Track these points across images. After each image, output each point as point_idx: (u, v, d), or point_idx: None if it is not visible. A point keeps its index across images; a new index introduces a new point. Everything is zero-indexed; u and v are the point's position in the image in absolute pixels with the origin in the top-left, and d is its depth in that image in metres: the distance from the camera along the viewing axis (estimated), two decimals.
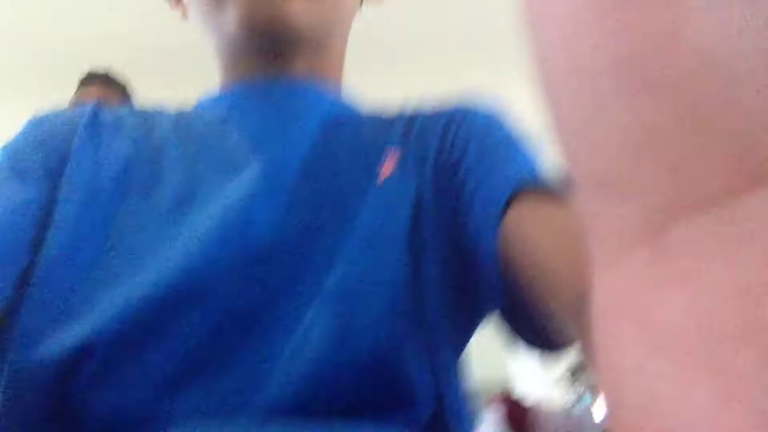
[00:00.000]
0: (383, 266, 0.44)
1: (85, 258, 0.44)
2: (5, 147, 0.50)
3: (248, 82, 0.55)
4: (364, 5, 0.62)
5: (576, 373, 2.48)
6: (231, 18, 0.50)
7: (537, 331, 0.42)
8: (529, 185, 0.42)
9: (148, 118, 0.55)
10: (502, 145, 0.48)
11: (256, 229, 0.45)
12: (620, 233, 0.11)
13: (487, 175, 0.45)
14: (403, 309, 0.43)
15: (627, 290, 0.11)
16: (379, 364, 0.41)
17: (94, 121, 0.52)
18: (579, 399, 2.44)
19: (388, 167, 0.49)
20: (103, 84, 1.84)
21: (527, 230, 0.40)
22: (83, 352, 0.40)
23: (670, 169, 0.10)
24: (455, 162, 0.49)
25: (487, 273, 0.42)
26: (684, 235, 0.10)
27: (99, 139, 0.51)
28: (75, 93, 1.84)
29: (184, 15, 0.58)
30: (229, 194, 0.47)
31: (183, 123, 0.54)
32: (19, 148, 0.50)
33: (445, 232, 0.47)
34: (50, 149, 0.50)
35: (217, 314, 0.42)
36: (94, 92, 1.79)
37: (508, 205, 0.41)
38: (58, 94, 1.89)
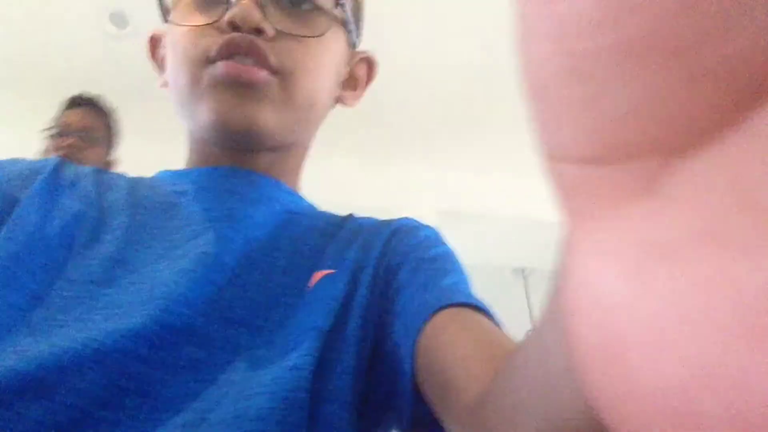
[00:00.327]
0: (292, 364, 0.42)
1: (11, 299, 0.44)
2: None
3: (211, 165, 0.56)
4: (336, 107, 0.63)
5: None
6: (204, 114, 0.51)
7: None
8: (455, 301, 0.43)
9: (105, 181, 0.56)
10: (438, 260, 0.50)
11: (179, 305, 0.44)
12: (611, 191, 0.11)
13: (418, 289, 0.46)
14: (301, 405, 0.41)
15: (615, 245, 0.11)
16: None
17: (54, 175, 0.53)
18: None
19: (320, 274, 0.50)
20: (89, 109, 1.77)
21: (443, 337, 0.40)
22: None
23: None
24: (394, 268, 0.50)
25: (400, 384, 0.43)
26: (680, 182, 0.10)
27: (54, 193, 0.52)
28: (58, 115, 1.76)
29: (165, 85, 0.59)
30: (163, 267, 0.47)
31: (139, 190, 0.55)
32: None
33: (367, 332, 0.47)
34: (4, 193, 0.50)
35: (112, 380, 0.40)
36: (78, 116, 1.74)
37: (431, 318, 0.42)
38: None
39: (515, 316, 3.92)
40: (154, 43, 0.63)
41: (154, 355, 0.41)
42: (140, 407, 0.40)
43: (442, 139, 3.07)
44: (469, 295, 0.45)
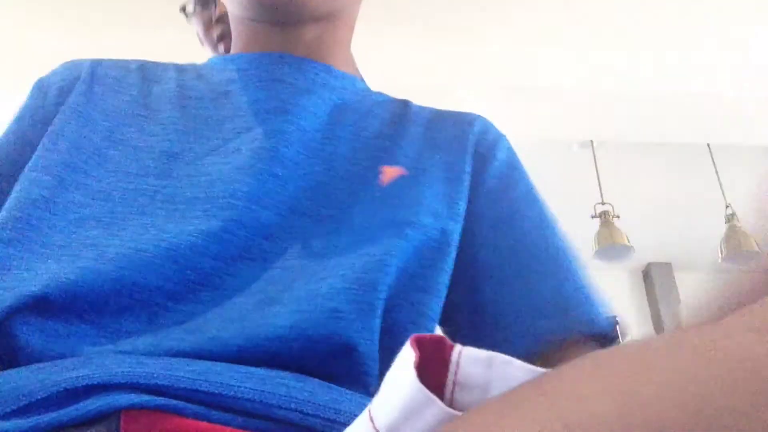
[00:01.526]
0: (367, 252, 0.44)
1: (66, 203, 0.45)
2: (12, 117, 0.54)
3: (258, 47, 0.55)
4: None
5: None
6: None
7: None
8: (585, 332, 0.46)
9: (151, 73, 0.56)
10: (537, 228, 0.53)
11: (243, 201, 0.45)
12: None
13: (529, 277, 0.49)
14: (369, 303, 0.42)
15: None
16: (333, 339, 0.41)
17: (91, 77, 0.54)
18: None
19: (392, 171, 0.50)
20: None
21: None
22: (48, 291, 0.39)
23: None
24: (485, 213, 0.52)
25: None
26: None
27: (92, 94, 0.52)
28: None
29: None
30: (218, 161, 0.48)
31: (187, 80, 0.55)
32: (23, 117, 0.53)
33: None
34: (48, 99, 0.52)
35: (185, 276, 0.42)
36: None
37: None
38: None
39: (584, 190, 3.88)
40: None
41: (223, 250, 0.43)
42: (213, 298, 0.42)
43: (506, 11, 2.93)
44: (598, 314, 0.47)
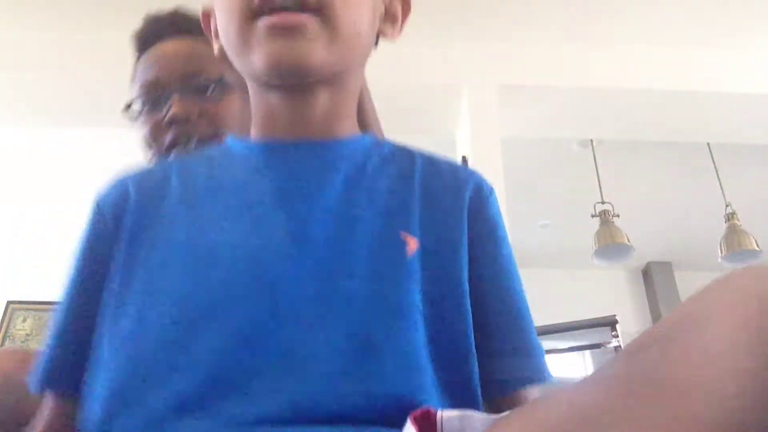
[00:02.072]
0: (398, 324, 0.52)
1: (145, 314, 0.52)
2: (81, 238, 0.60)
3: (280, 128, 0.62)
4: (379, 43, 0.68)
5: None
6: (258, 62, 0.56)
7: None
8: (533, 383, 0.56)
9: (186, 172, 0.62)
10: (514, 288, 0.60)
11: (283, 283, 0.52)
12: None
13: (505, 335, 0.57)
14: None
15: None
16: (400, 398, 0.48)
17: (138, 191, 0.60)
18: None
19: (413, 242, 0.56)
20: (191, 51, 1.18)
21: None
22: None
23: None
24: (479, 266, 0.59)
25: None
26: None
27: (143, 208, 0.59)
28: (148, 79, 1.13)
29: (219, 51, 0.65)
30: (257, 245, 0.54)
31: (217, 171, 0.62)
32: (90, 239, 0.59)
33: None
34: (108, 221, 0.59)
35: (235, 338, 0.49)
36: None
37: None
38: None
39: (584, 189, 3.89)
40: (206, 18, 0.70)
41: (274, 321, 0.50)
42: (279, 355, 0.48)
43: (506, 11, 2.94)
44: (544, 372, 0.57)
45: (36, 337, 4.97)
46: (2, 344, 4.89)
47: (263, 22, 0.55)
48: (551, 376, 0.57)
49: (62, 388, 0.55)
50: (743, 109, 3.12)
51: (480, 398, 0.54)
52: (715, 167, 3.87)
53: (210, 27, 0.69)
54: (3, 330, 4.99)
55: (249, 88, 0.65)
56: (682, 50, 3.05)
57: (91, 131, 3.63)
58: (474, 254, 0.59)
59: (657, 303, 5.40)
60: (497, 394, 0.55)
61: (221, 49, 0.64)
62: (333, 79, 0.61)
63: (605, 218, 3.67)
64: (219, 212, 0.57)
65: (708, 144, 3.81)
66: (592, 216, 3.72)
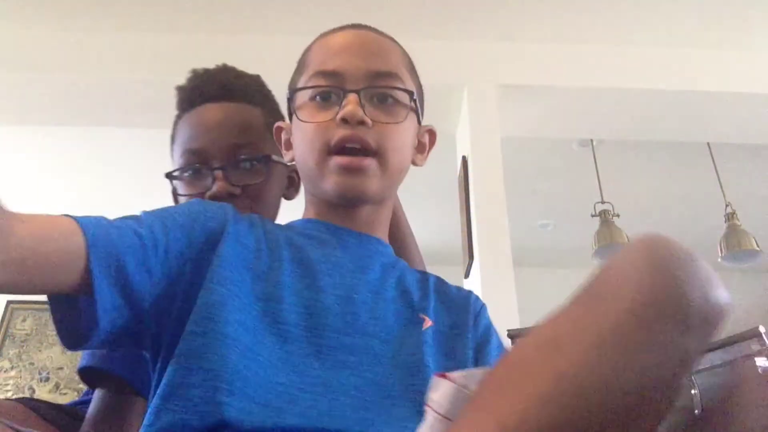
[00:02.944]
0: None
1: (229, 321, 0.63)
2: (180, 207, 0.72)
3: (330, 221, 0.79)
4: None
5: None
6: (329, 188, 0.76)
7: None
8: None
9: (268, 227, 0.77)
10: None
11: (335, 330, 0.67)
12: None
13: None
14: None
15: None
16: None
17: (234, 221, 0.73)
18: None
19: (428, 321, 0.74)
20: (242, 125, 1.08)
21: None
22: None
23: None
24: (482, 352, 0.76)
25: None
26: None
27: (237, 234, 0.71)
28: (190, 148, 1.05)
29: (292, 160, 0.84)
30: (313, 301, 0.68)
31: (291, 236, 0.76)
32: (193, 210, 0.71)
33: None
34: (212, 224, 0.70)
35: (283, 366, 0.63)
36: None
37: None
38: None
39: (584, 189, 3.89)
40: (278, 131, 0.89)
41: (317, 360, 0.64)
42: (312, 383, 0.62)
43: (503, 10, 2.94)
44: None
45: (36, 337, 4.98)
46: (2, 344, 4.90)
47: (336, 161, 0.74)
48: None
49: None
50: (743, 109, 3.12)
51: None
52: (715, 167, 3.86)
53: (281, 138, 0.88)
54: (3, 330, 4.99)
55: (306, 188, 0.84)
56: (682, 50, 3.06)
57: (91, 131, 3.63)
58: (476, 348, 0.75)
59: None
60: None
61: (292, 160, 0.84)
62: (376, 203, 0.80)
63: (605, 218, 3.66)
64: (288, 261, 0.71)
65: (708, 144, 3.80)
66: (592, 216, 3.72)
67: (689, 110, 3.15)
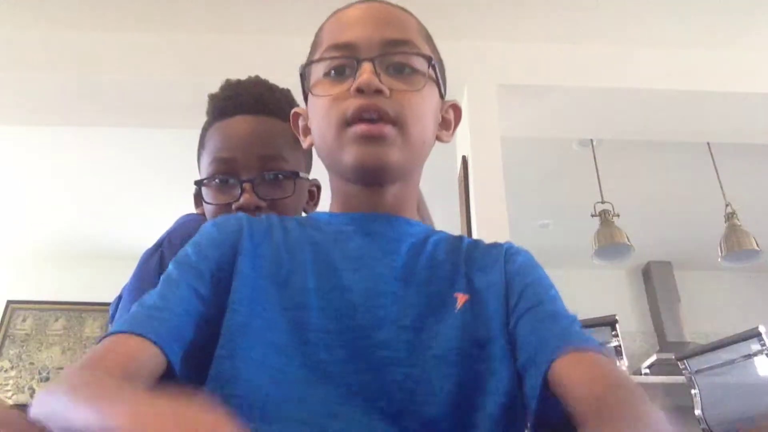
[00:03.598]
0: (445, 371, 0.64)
1: (255, 330, 0.63)
2: (192, 243, 0.72)
3: (353, 205, 0.76)
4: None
5: None
6: (349, 160, 0.71)
7: None
8: (576, 346, 0.61)
9: (285, 225, 0.76)
10: (542, 288, 0.71)
11: (362, 328, 0.65)
12: None
13: (538, 327, 0.66)
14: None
15: None
16: None
17: (250, 229, 0.73)
18: None
19: (461, 297, 0.70)
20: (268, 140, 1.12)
21: (571, 375, 0.59)
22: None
23: None
24: (516, 297, 0.70)
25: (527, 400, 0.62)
26: None
27: (253, 243, 0.71)
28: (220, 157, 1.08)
29: (310, 145, 0.81)
30: (340, 296, 0.67)
31: (308, 231, 0.75)
32: (201, 245, 0.71)
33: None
34: (229, 248, 0.70)
35: (337, 391, 0.61)
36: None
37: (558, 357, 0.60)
38: None
39: (584, 188, 3.89)
40: (296, 118, 0.85)
41: (354, 361, 0.62)
42: (350, 393, 0.61)
43: (503, 10, 2.94)
44: (586, 338, 0.63)
45: (36, 337, 4.98)
46: (2, 344, 4.90)
47: (354, 129, 0.70)
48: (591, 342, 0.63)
49: (157, 336, 0.60)
50: (743, 109, 3.12)
51: (522, 425, 0.63)
52: (715, 167, 3.87)
53: (298, 124, 0.85)
54: (3, 330, 4.99)
55: (330, 179, 0.80)
56: (682, 50, 3.06)
57: (91, 131, 3.63)
58: (511, 298, 0.71)
59: (657, 303, 5.40)
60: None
61: (310, 145, 0.80)
62: (401, 177, 0.75)
63: (605, 218, 3.67)
64: (311, 263, 0.70)
65: (708, 144, 3.81)
66: (592, 216, 3.72)
67: (689, 110, 3.15)
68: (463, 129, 3.02)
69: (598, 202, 3.75)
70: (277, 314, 0.65)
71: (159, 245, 1.05)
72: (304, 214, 1.06)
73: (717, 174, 3.86)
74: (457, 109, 0.86)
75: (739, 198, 3.81)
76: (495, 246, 0.79)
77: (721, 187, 3.82)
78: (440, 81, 0.80)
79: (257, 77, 1.11)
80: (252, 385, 0.59)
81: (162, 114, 3.09)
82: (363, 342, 0.64)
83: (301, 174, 1.02)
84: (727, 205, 3.74)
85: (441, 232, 0.82)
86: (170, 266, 0.69)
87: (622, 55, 3.05)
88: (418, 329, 0.66)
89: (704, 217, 4.29)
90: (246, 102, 1.03)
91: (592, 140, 3.85)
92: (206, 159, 1.02)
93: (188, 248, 0.71)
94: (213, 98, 1.07)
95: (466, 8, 2.91)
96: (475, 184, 2.75)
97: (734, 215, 3.68)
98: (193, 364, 0.61)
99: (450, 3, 2.88)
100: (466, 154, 2.88)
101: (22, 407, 0.90)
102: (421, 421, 0.60)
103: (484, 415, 0.61)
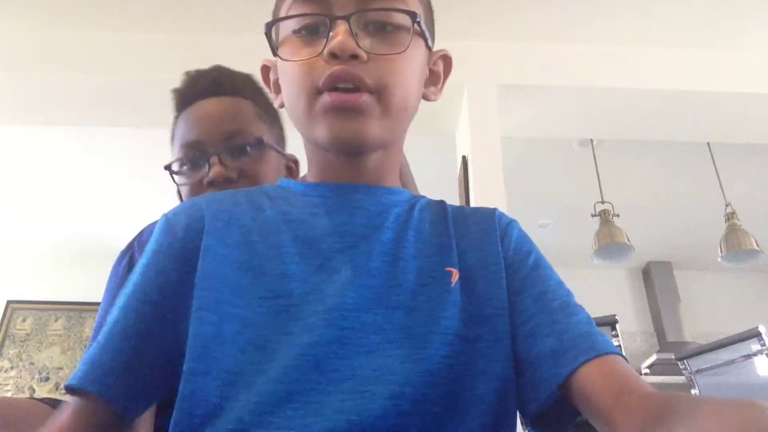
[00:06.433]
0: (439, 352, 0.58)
1: (227, 333, 0.57)
2: (148, 250, 0.63)
3: (331, 172, 0.69)
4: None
5: None
6: (321, 134, 0.63)
7: None
8: (595, 354, 0.55)
9: (254, 203, 0.68)
10: (554, 289, 0.64)
11: (351, 309, 0.58)
12: None
13: (551, 328, 0.59)
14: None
15: None
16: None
17: (213, 215, 0.65)
18: None
19: (455, 273, 0.63)
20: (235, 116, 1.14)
21: (593, 384, 0.54)
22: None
23: None
24: (516, 280, 0.65)
25: (540, 393, 0.57)
26: None
27: (215, 231, 0.63)
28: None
29: (281, 106, 0.71)
30: (324, 278, 0.60)
31: (281, 207, 0.67)
32: (159, 251, 0.63)
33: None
34: (177, 236, 0.63)
35: (305, 360, 0.55)
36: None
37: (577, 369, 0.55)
38: None
39: (584, 188, 3.89)
40: (265, 71, 0.76)
41: (341, 348, 0.56)
42: (345, 377, 0.54)
43: (503, 10, 2.94)
44: (605, 343, 0.57)
45: (36, 337, 4.98)
46: (2, 344, 4.90)
47: (326, 99, 0.62)
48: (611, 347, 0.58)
49: (105, 389, 0.55)
50: (743, 109, 3.12)
51: (513, 409, 0.59)
52: (715, 167, 3.86)
53: (269, 78, 0.75)
54: (3, 330, 4.99)
55: (305, 145, 0.71)
56: (682, 50, 3.05)
57: (91, 131, 3.63)
58: (510, 272, 0.65)
59: (657, 303, 5.39)
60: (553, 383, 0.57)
61: (282, 105, 0.71)
62: (381, 149, 0.68)
63: (605, 218, 3.67)
64: (290, 244, 0.62)
65: (708, 144, 3.80)
66: (592, 216, 3.72)
67: (689, 110, 3.15)
68: (463, 129, 3.02)
69: (598, 202, 3.75)
70: (253, 308, 0.58)
71: (131, 246, 1.05)
72: None
73: (717, 174, 3.85)
74: (447, 60, 0.77)
75: (739, 198, 3.81)
76: (484, 216, 0.71)
77: (721, 187, 3.82)
78: (427, 34, 0.70)
79: (217, 65, 1.12)
80: (234, 401, 0.54)
81: (162, 114, 3.08)
82: (352, 324, 0.57)
83: (269, 142, 1.03)
84: (727, 205, 3.74)
85: (422, 197, 0.74)
86: (120, 293, 0.62)
87: (622, 55, 3.05)
88: (410, 309, 0.59)
89: (704, 217, 4.30)
90: (204, 86, 1.05)
91: (592, 140, 3.85)
92: (176, 148, 1.04)
93: (137, 268, 0.63)
94: (175, 92, 1.08)
95: (465, 8, 2.91)
96: (475, 184, 2.75)
97: (734, 215, 3.67)
98: (156, 394, 0.60)
99: (450, 3, 2.88)
100: (466, 154, 2.88)
101: (56, 402, 0.91)
102: (413, 401, 0.54)
103: (473, 396, 0.56)
